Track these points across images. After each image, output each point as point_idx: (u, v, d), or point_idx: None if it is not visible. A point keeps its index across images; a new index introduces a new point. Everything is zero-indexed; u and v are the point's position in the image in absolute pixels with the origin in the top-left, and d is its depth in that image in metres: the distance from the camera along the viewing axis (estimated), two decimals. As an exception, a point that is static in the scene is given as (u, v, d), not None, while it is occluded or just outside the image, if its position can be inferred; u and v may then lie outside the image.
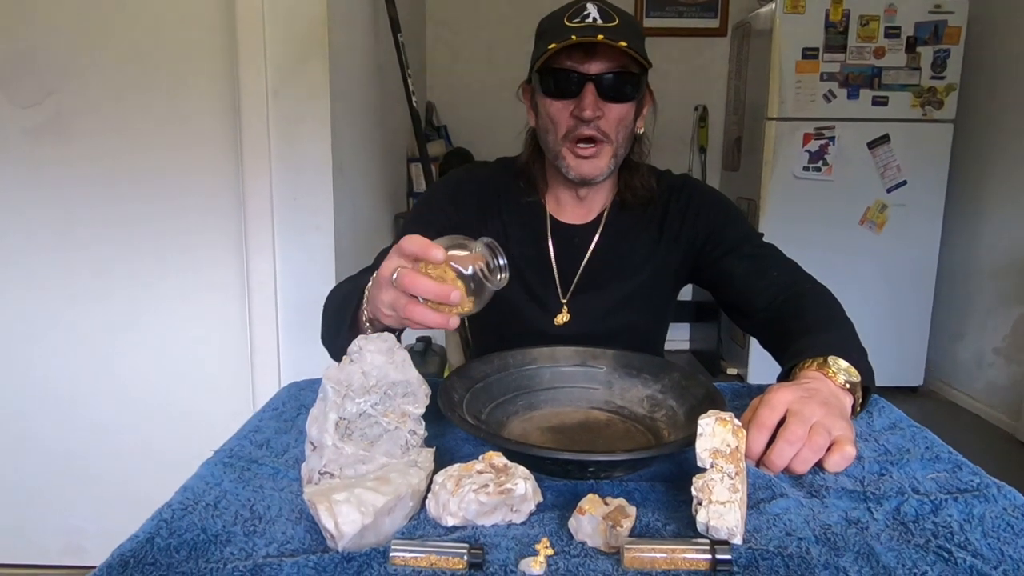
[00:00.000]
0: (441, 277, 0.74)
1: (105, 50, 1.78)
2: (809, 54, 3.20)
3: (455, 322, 0.75)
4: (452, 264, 0.74)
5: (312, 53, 1.77)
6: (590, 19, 1.03)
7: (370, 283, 0.84)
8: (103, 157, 1.81)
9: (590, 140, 1.07)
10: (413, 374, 0.74)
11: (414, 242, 0.74)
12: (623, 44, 1.00)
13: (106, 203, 1.83)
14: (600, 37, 0.99)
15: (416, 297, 0.75)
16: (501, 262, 0.76)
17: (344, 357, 0.73)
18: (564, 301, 1.18)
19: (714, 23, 3.90)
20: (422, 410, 0.74)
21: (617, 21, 1.03)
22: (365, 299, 0.86)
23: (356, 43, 2.18)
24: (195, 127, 1.82)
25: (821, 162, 3.27)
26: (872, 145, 3.26)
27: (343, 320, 0.93)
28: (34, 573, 2.00)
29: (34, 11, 1.75)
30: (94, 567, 0.60)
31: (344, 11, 1.99)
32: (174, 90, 1.80)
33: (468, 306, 0.75)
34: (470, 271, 0.75)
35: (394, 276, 0.75)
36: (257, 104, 1.77)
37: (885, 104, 3.23)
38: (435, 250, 0.72)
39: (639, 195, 1.18)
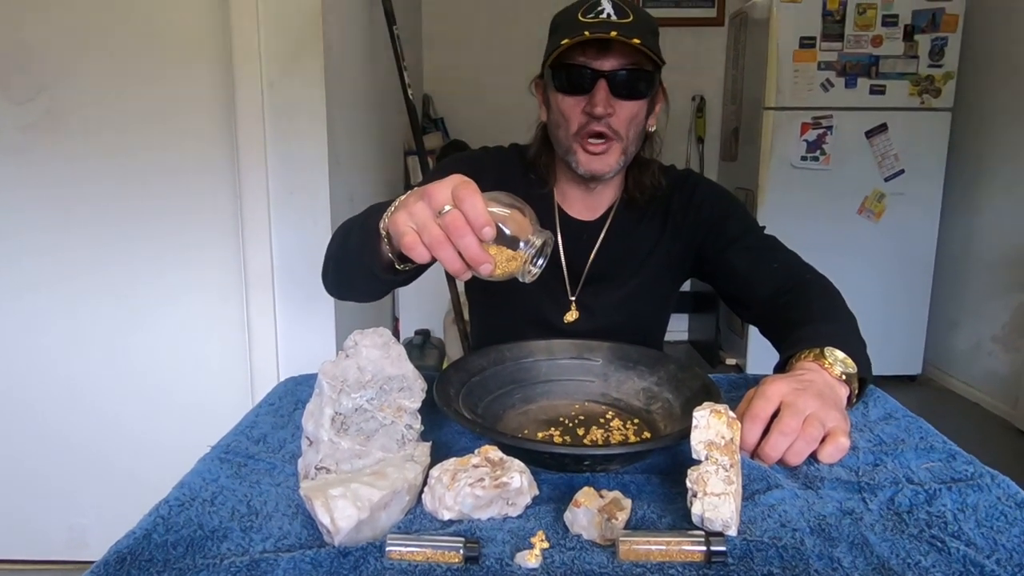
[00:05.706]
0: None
1: (98, 44, 1.77)
2: (806, 43, 3.19)
3: (467, 276, 0.71)
4: (500, 229, 0.69)
5: (307, 46, 1.77)
6: (604, 15, 1.02)
7: (406, 196, 0.76)
8: (98, 152, 1.81)
9: (600, 136, 1.06)
10: (409, 368, 0.74)
11: (476, 207, 0.66)
12: (636, 41, 0.99)
13: (102, 198, 1.83)
14: (614, 34, 0.98)
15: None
16: (540, 262, 0.73)
17: (340, 352, 0.73)
18: (573, 298, 1.19)
19: (711, 12, 3.89)
20: (418, 404, 0.74)
21: (632, 17, 1.02)
22: (392, 208, 0.77)
23: (351, 35, 2.17)
24: (190, 121, 1.81)
25: (819, 151, 3.27)
26: (870, 134, 3.25)
27: (366, 228, 0.85)
28: (38, 568, 2.01)
29: (25, 6, 1.74)
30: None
31: (339, 3, 1.98)
32: (169, 84, 1.79)
33: (487, 275, 0.71)
34: (520, 248, 0.70)
35: (445, 209, 0.68)
36: (252, 97, 1.77)
37: (883, 93, 3.22)
38: (488, 229, 0.67)
39: (647, 193, 1.18)
